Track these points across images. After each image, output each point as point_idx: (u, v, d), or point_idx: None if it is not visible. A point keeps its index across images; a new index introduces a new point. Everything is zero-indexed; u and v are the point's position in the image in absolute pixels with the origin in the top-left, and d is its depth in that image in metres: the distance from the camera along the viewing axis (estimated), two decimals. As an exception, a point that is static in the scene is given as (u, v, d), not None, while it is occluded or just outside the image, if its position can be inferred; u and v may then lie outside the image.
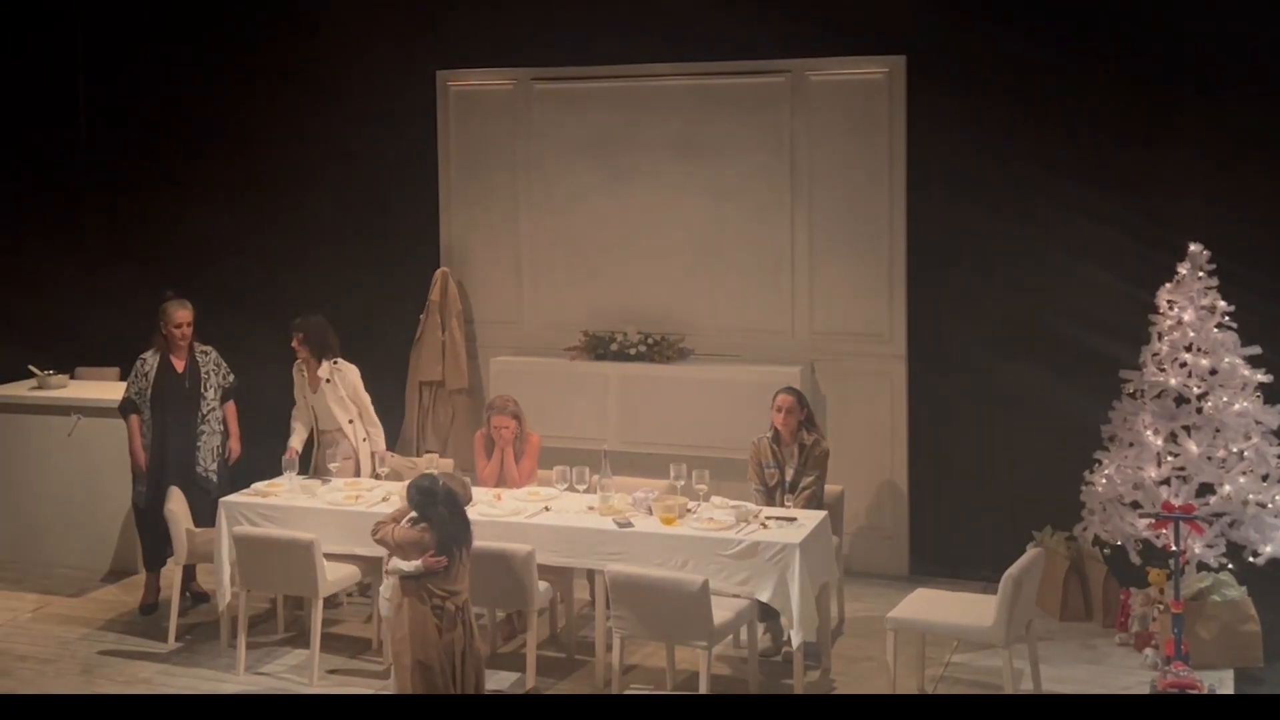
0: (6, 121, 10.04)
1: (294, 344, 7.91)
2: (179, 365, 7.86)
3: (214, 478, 7.86)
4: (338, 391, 7.88)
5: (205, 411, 7.86)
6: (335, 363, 7.92)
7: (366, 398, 7.97)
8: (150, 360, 7.87)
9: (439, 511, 5.84)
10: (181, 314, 7.82)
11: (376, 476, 7.62)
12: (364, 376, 8.20)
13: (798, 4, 8.28)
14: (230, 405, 8.01)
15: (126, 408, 7.90)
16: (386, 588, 6.02)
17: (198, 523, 7.56)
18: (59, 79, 10.08)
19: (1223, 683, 6.69)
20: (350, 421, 7.88)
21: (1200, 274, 7.24)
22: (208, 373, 7.90)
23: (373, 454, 7.86)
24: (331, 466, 7.75)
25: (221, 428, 7.96)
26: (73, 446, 8.59)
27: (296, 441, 7.95)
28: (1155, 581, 7.09)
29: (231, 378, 8.03)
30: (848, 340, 8.43)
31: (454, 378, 9.04)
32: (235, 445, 8.02)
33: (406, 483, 7.20)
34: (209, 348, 7.99)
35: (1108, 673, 6.93)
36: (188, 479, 7.75)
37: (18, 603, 8.10)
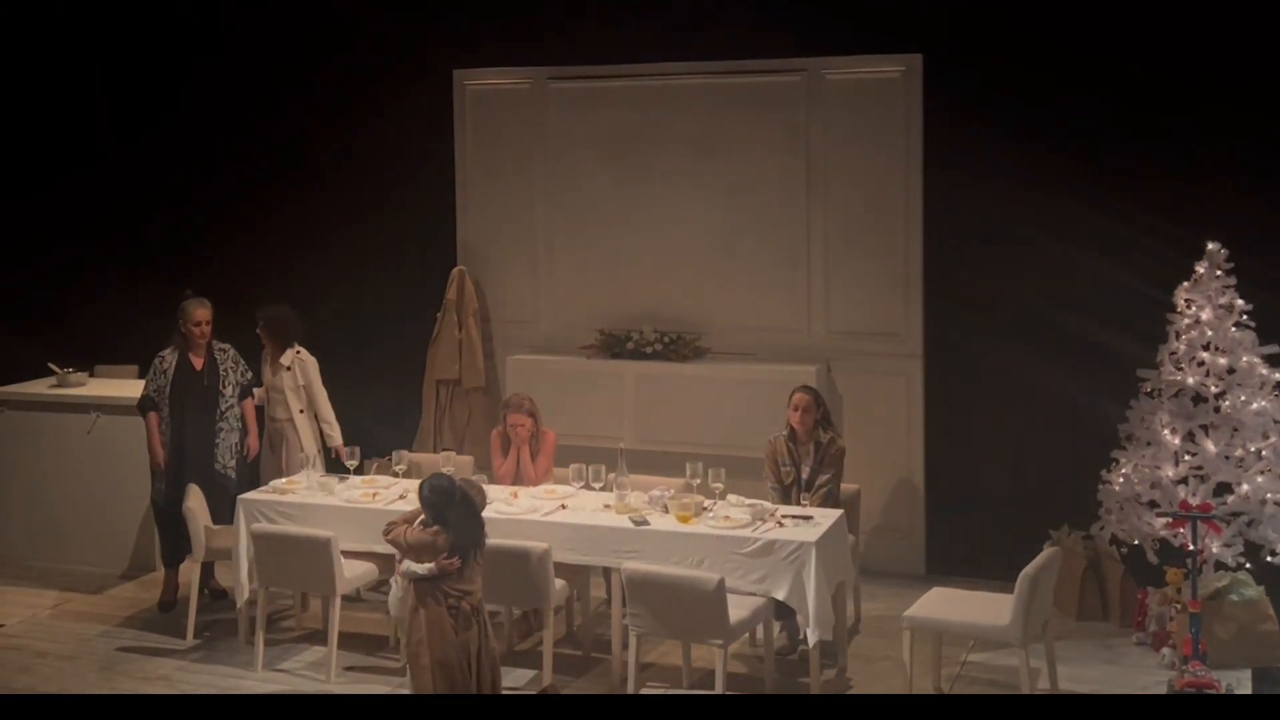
0: (23, 119, 10.11)
1: (258, 331, 8.15)
2: (197, 363, 7.89)
3: (232, 475, 7.89)
4: (295, 379, 8.07)
5: (224, 409, 7.90)
6: (298, 351, 8.08)
7: (323, 393, 8.11)
8: (169, 358, 7.90)
9: (454, 513, 5.78)
10: (201, 312, 7.86)
11: (394, 474, 7.64)
12: (381, 374, 8.22)
13: (813, 2, 8.26)
14: (249, 402, 8.04)
15: (145, 405, 7.93)
16: (398, 587, 6.00)
17: (216, 520, 7.59)
18: (76, 77, 10.13)
19: (1240, 682, 6.67)
20: (300, 412, 8.06)
21: (1218, 273, 7.22)
22: (226, 370, 7.94)
23: (331, 450, 7.96)
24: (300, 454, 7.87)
25: (240, 425, 7.99)
26: (92, 444, 8.63)
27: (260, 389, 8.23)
28: (1173, 581, 7.07)
29: (250, 375, 8.06)
30: (864, 339, 8.42)
31: (470, 376, 9.05)
32: (254, 442, 8.05)
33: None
34: (227, 345, 8.02)
35: (1125, 672, 6.92)
36: (206, 476, 7.78)
37: (37, 600, 8.15)
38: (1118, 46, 7.78)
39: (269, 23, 9.63)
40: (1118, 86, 7.79)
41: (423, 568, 5.78)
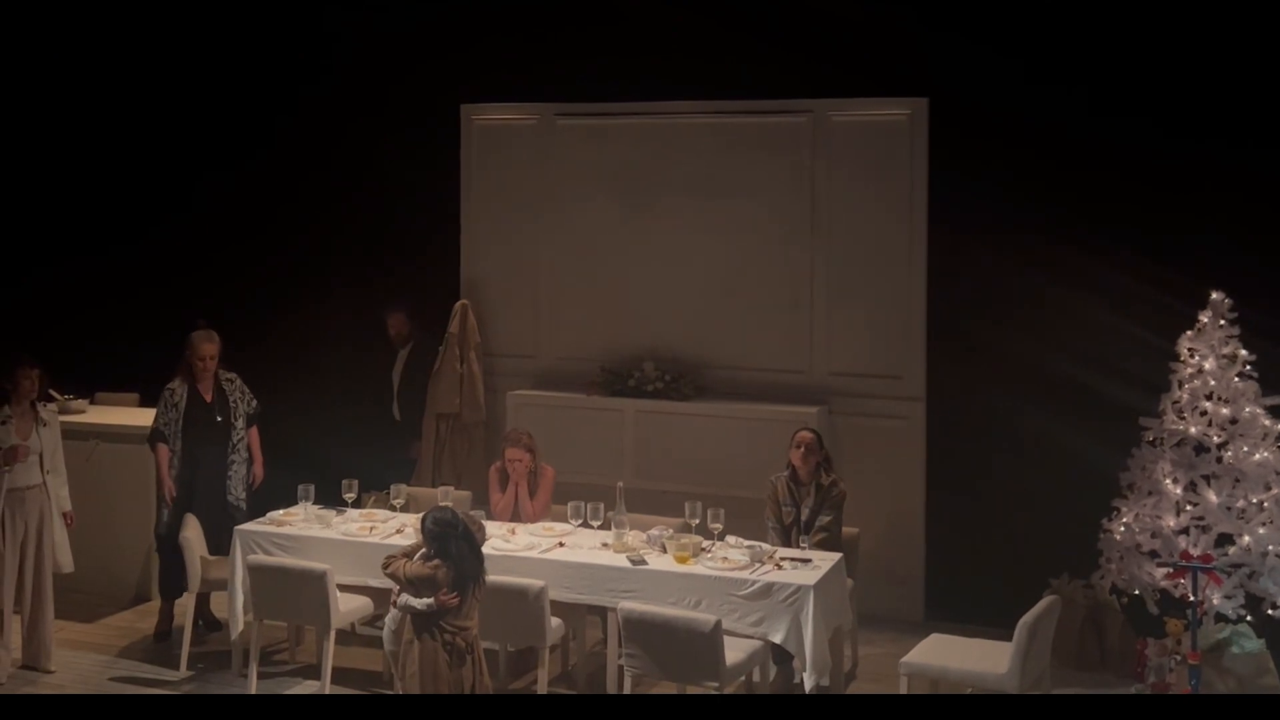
0: (22, 150, 10.15)
1: (31, 379, 7.29)
2: (207, 395, 7.82)
3: (244, 506, 7.82)
4: (52, 436, 7.43)
5: (235, 441, 7.83)
6: (47, 404, 7.55)
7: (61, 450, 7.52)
8: (179, 391, 7.81)
9: (456, 546, 5.75)
10: (207, 346, 7.79)
11: (391, 508, 7.59)
12: (381, 406, 8.12)
13: (821, 44, 8.31)
14: (253, 430, 7.98)
15: (155, 438, 7.84)
16: (393, 620, 5.96)
17: (224, 552, 7.50)
18: (78, 104, 10.18)
19: (1239, 736, 6.60)
20: (48, 472, 7.40)
21: (1222, 322, 7.21)
22: (235, 401, 7.87)
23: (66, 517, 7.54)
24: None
25: (248, 454, 7.95)
26: (90, 472, 8.58)
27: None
28: (1173, 632, 7.02)
29: (255, 403, 8.00)
30: (865, 381, 8.40)
31: (471, 410, 9.04)
32: (259, 470, 7.99)
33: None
34: (233, 375, 7.95)
35: (1123, 723, 6.86)
36: (219, 509, 7.71)
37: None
38: (1123, 95, 7.80)
39: (275, 56, 9.68)
40: (1122, 134, 7.80)
41: (421, 602, 5.74)
